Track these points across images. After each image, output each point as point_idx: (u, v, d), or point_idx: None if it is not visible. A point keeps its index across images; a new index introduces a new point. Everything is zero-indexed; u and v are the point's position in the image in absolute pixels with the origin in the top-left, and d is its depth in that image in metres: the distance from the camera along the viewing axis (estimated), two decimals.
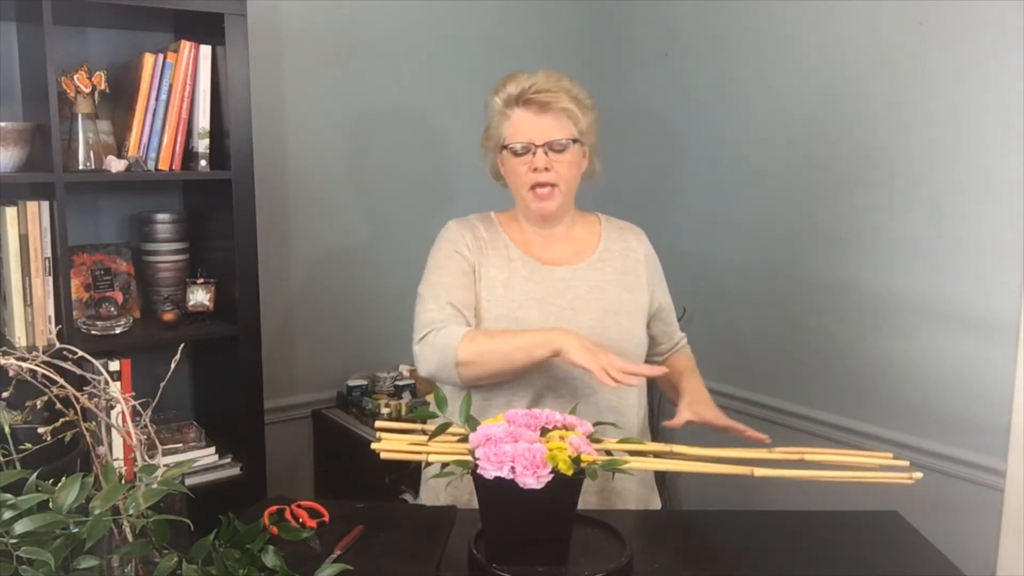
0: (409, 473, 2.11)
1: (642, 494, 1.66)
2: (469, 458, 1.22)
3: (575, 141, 1.57)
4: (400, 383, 2.49)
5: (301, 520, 1.37)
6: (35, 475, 0.96)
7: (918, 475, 1.26)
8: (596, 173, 1.68)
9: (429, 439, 1.29)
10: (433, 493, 1.63)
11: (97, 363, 1.07)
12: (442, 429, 1.29)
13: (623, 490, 1.61)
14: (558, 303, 1.60)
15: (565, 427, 1.31)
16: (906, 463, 1.30)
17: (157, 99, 2.01)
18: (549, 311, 1.59)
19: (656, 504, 1.74)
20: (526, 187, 1.58)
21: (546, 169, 1.55)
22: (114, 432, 1.24)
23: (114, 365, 1.91)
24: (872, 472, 1.30)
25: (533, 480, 1.15)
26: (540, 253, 1.65)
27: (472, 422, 1.31)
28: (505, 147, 1.59)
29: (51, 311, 1.92)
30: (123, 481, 0.97)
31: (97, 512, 0.92)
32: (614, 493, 1.59)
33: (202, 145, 2.05)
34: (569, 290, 1.62)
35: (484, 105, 1.64)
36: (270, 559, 1.07)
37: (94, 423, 1.06)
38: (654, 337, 1.73)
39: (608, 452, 1.30)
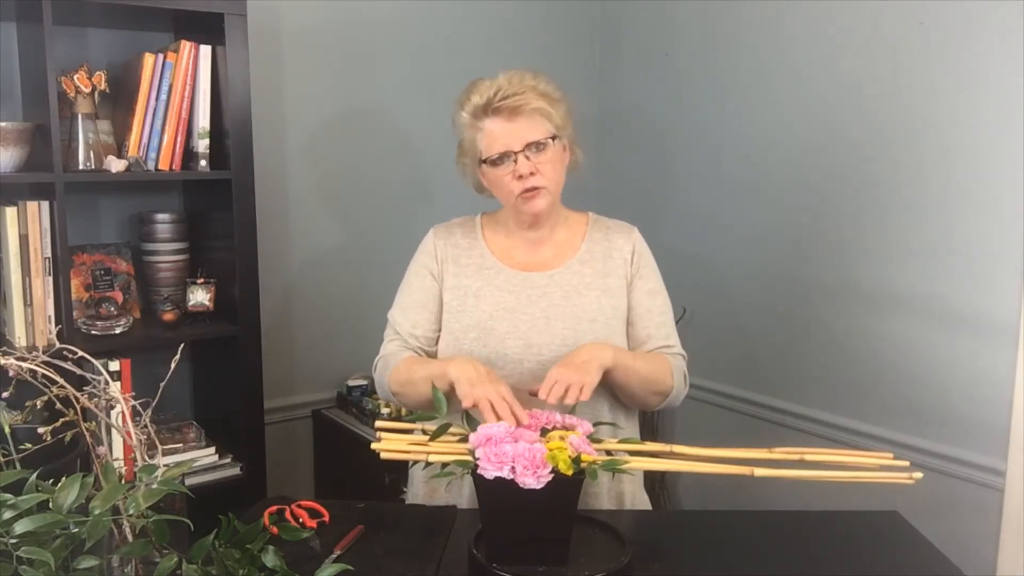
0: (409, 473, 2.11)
1: (623, 491, 1.62)
2: (469, 458, 1.22)
3: (554, 138, 1.53)
4: None
5: (301, 520, 1.37)
6: (35, 475, 0.97)
7: (918, 475, 1.26)
8: (580, 164, 1.63)
9: (430, 439, 1.29)
10: (417, 488, 1.63)
11: (97, 363, 1.07)
12: (443, 430, 1.29)
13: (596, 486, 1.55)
14: (531, 311, 1.58)
15: (565, 427, 1.31)
16: (906, 463, 1.29)
17: (157, 99, 2.01)
18: (520, 320, 1.57)
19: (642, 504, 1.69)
20: (514, 195, 1.53)
21: (531, 174, 1.50)
22: (114, 432, 1.24)
23: (114, 365, 1.90)
24: (872, 472, 1.30)
25: (533, 480, 1.15)
26: (520, 258, 1.63)
27: (472, 422, 1.31)
28: (484, 161, 1.54)
29: (51, 311, 1.92)
30: (123, 481, 0.97)
31: (97, 512, 0.92)
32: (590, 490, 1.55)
33: (202, 145, 2.05)
34: (544, 297, 1.59)
35: (451, 121, 1.60)
36: (270, 559, 1.07)
37: (94, 423, 1.06)
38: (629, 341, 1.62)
39: (608, 452, 1.30)
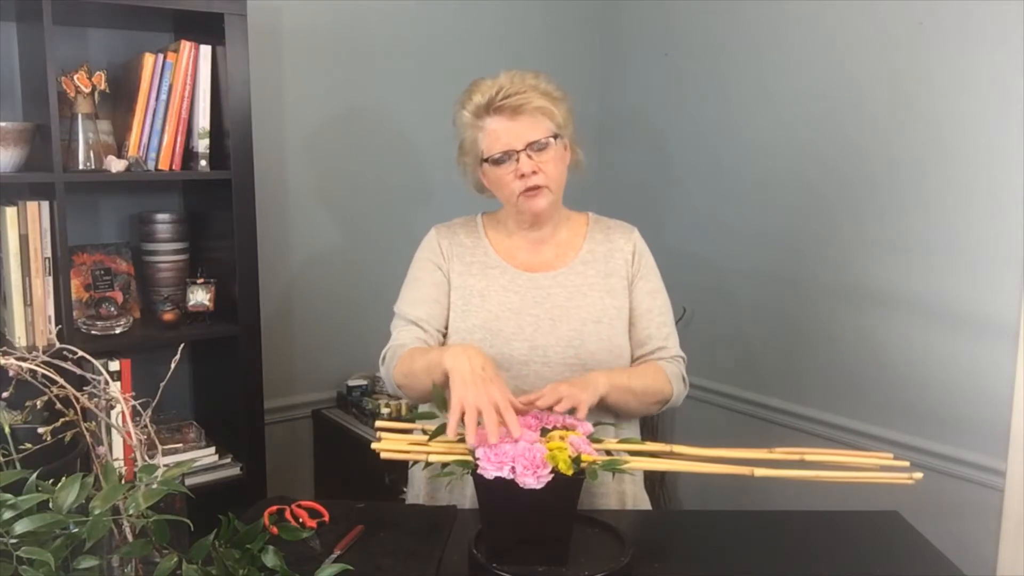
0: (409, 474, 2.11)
1: (624, 491, 1.61)
2: (469, 458, 1.22)
3: (555, 137, 1.52)
4: None
5: (301, 520, 1.37)
6: (35, 475, 0.97)
7: (918, 475, 1.26)
8: (581, 163, 1.62)
9: (429, 439, 1.29)
10: (417, 488, 1.63)
11: (97, 363, 1.07)
12: (442, 429, 1.28)
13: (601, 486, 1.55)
14: (536, 312, 1.57)
15: (566, 427, 1.31)
16: (906, 463, 1.29)
17: (157, 99, 2.01)
18: (526, 321, 1.56)
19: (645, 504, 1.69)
20: (515, 194, 1.53)
21: (533, 172, 1.50)
22: (114, 432, 1.24)
23: (114, 365, 1.90)
24: (872, 472, 1.30)
25: (533, 480, 1.15)
26: (523, 258, 1.62)
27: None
28: (485, 160, 1.54)
29: (51, 311, 1.92)
30: (123, 481, 0.97)
31: (97, 512, 0.92)
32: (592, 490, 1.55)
33: (202, 145, 2.05)
34: (548, 298, 1.58)
35: (452, 120, 1.59)
36: (270, 559, 1.07)
37: (94, 423, 1.06)
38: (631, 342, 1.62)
39: (608, 452, 1.30)
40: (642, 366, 1.60)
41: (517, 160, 1.51)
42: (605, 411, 1.52)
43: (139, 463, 1.02)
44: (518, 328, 1.56)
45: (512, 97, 1.50)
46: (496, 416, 1.24)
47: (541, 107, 1.51)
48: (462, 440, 1.27)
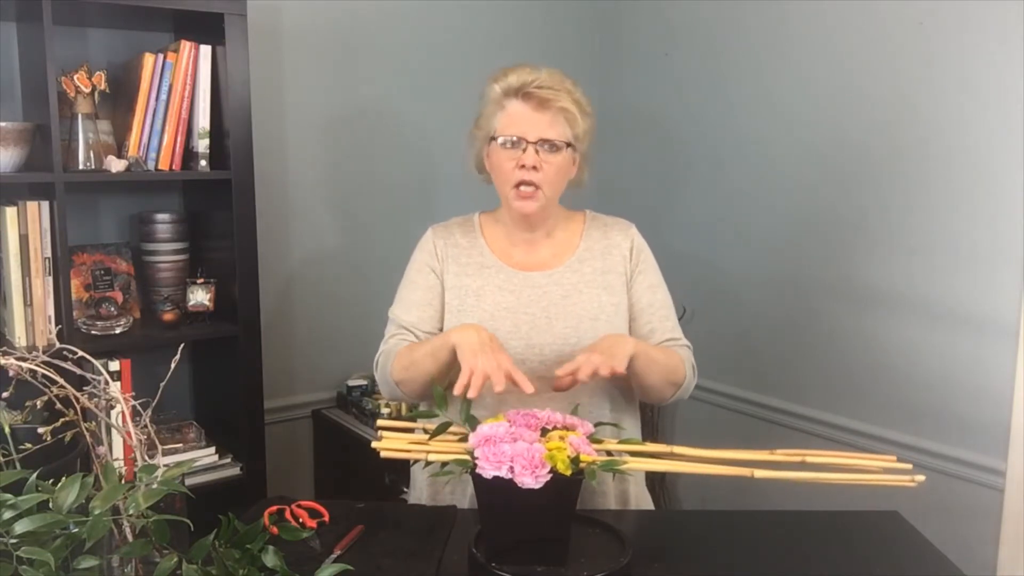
0: (409, 473, 2.11)
1: (627, 491, 1.61)
2: (468, 458, 1.22)
3: (568, 145, 1.52)
4: None
5: (301, 520, 1.37)
6: (35, 475, 0.96)
7: (920, 478, 1.24)
8: (583, 183, 1.62)
9: (430, 438, 1.29)
10: (419, 488, 1.63)
11: (97, 363, 1.07)
12: (443, 428, 1.28)
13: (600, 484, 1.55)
14: (532, 311, 1.57)
15: (566, 427, 1.31)
16: (909, 466, 1.28)
17: (157, 99, 2.01)
18: (521, 319, 1.56)
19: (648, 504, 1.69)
20: (510, 184, 1.53)
21: (534, 168, 1.50)
22: (114, 432, 1.24)
23: (114, 365, 1.90)
24: (873, 475, 1.29)
25: (531, 480, 1.15)
26: (519, 257, 1.62)
27: (472, 421, 1.31)
28: (494, 138, 1.54)
29: (51, 311, 1.92)
30: (123, 481, 0.97)
31: (97, 512, 0.92)
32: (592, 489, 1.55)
33: (202, 145, 2.05)
34: (544, 297, 1.58)
35: (480, 93, 1.59)
36: (270, 559, 1.07)
37: (94, 423, 1.06)
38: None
39: (608, 452, 1.30)
40: (660, 345, 1.60)
41: (524, 150, 1.50)
42: (607, 394, 1.54)
43: (139, 463, 1.02)
44: (514, 327, 1.56)
45: (545, 89, 1.50)
46: (503, 375, 1.32)
47: (567, 109, 1.51)
48: (463, 439, 1.27)
